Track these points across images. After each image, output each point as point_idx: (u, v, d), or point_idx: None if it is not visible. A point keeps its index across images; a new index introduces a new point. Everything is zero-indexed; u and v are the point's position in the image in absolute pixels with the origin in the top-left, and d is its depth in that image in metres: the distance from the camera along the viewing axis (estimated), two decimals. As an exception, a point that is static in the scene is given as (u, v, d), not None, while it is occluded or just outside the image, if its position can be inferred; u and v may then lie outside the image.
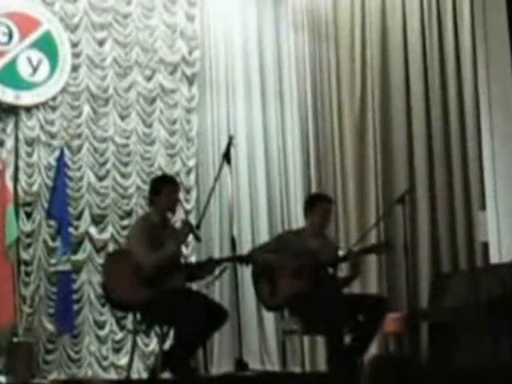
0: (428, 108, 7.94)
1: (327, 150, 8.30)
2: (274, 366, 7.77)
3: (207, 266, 5.62)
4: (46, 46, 7.56)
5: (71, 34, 7.73)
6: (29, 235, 7.35)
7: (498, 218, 7.16)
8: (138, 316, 5.48)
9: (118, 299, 5.44)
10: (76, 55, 7.72)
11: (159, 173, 7.72)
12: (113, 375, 7.43)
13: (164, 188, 5.54)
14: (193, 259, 7.52)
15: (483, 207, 7.41)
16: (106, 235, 7.63)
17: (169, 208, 5.58)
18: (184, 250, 6.55)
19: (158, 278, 5.32)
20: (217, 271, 5.64)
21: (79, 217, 7.56)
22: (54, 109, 7.61)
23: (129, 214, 7.74)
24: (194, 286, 6.04)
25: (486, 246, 7.32)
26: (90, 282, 7.49)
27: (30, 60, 7.49)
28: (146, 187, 7.74)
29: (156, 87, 8.03)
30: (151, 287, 5.30)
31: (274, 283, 5.73)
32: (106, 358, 7.49)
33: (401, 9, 8.09)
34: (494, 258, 7.15)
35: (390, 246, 6.04)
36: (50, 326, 7.29)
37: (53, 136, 7.56)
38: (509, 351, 6.17)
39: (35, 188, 7.41)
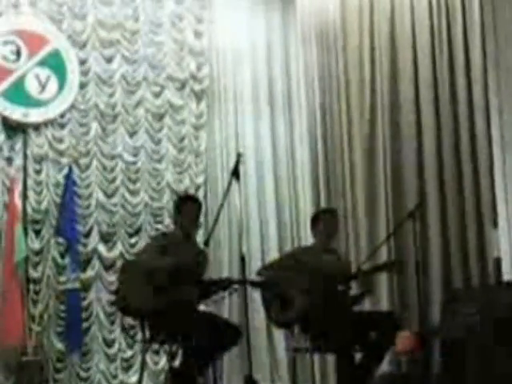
0: (438, 119, 7.86)
1: (336, 164, 8.25)
2: (284, 383, 7.71)
3: (221, 285, 5.62)
4: (54, 63, 7.57)
5: (79, 51, 7.74)
6: (37, 253, 7.33)
7: (511, 234, 7.08)
8: (147, 333, 5.44)
9: (129, 306, 5.43)
10: (84, 72, 7.73)
11: (168, 190, 7.72)
12: (122, 393, 7.39)
13: (184, 207, 5.69)
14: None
15: (495, 224, 7.32)
16: (114, 253, 7.61)
17: (190, 226, 5.68)
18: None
19: (168, 284, 5.31)
20: (226, 293, 5.63)
21: (88, 234, 7.55)
22: (62, 126, 7.61)
23: (137, 231, 7.73)
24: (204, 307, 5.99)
25: (498, 262, 7.23)
26: (98, 300, 7.47)
27: (38, 77, 7.50)
28: (155, 204, 7.77)
29: (164, 104, 8.03)
30: (163, 294, 5.28)
31: (284, 300, 5.68)
32: (115, 377, 7.44)
33: (410, 18, 8.00)
34: (507, 275, 7.06)
35: (400, 265, 5.97)
36: (59, 345, 7.26)
37: (61, 153, 7.56)
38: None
39: (44, 206, 7.40)
